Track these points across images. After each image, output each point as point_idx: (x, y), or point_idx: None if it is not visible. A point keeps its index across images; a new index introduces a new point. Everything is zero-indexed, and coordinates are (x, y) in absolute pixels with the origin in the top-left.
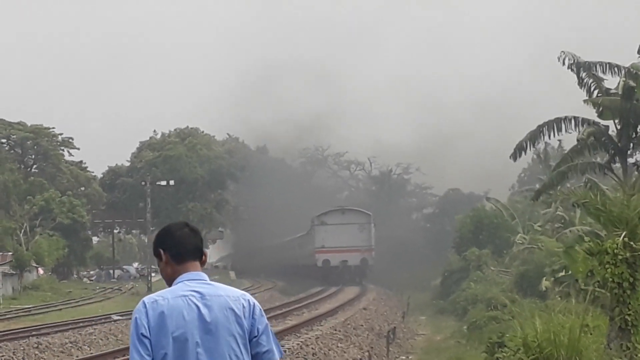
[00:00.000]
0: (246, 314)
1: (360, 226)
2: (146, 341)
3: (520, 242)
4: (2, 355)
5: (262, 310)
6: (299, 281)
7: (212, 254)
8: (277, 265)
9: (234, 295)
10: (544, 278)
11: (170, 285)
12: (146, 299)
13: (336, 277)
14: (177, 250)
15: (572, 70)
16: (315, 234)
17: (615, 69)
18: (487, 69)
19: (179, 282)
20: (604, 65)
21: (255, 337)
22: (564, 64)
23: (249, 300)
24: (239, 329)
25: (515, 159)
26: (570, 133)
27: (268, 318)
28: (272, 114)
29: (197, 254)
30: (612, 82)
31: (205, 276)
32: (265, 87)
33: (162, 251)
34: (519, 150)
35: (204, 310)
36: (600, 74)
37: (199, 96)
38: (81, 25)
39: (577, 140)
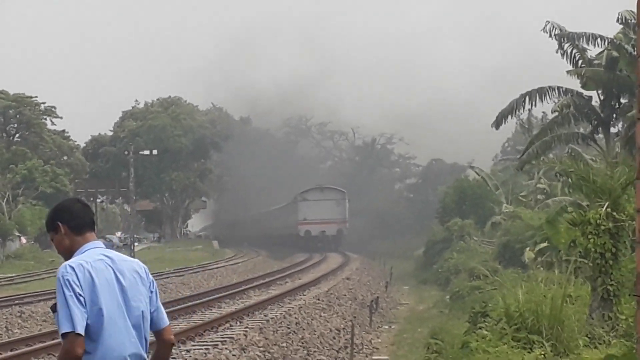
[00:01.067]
0: (145, 276)
1: (337, 202)
2: (82, 299)
3: (506, 211)
4: None
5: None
6: (282, 250)
7: (196, 223)
8: (260, 235)
9: (133, 261)
10: (527, 249)
11: (67, 257)
12: (70, 262)
13: (316, 245)
14: (77, 222)
15: (556, 39)
16: (298, 208)
17: (599, 40)
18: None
19: (88, 249)
20: (588, 35)
21: (149, 296)
22: (549, 34)
23: (143, 265)
24: (144, 290)
25: (497, 127)
26: (554, 102)
27: (252, 287)
28: (255, 81)
29: (93, 226)
30: (595, 52)
31: (101, 244)
32: (248, 52)
33: (60, 224)
34: (501, 118)
35: (118, 273)
36: (584, 45)
37: (181, 64)
38: None
39: (552, 111)
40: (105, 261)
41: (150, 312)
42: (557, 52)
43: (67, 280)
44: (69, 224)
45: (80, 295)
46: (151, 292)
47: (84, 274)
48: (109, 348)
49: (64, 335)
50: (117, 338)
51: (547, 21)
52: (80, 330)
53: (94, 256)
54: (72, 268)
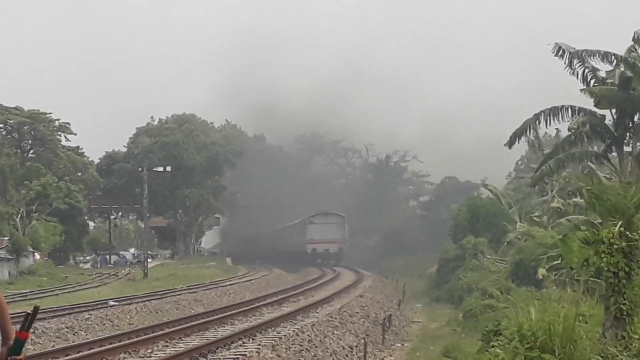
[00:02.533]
0: None
1: (338, 225)
2: None
3: (520, 231)
4: None
5: None
6: (294, 266)
7: (209, 240)
8: (272, 251)
9: None
10: (540, 267)
11: None
12: None
13: (321, 261)
14: None
15: (566, 60)
16: (307, 230)
17: (613, 57)
18: (485, 59)
19: None
20: (600, 54)
21: None
22: (556, 54)
23: None
24: None
25: (510, 147)
26: (567, 122)
27: (265, 304)
28: (269, 97)
29: None
30: (607, 71)
31: None
32: (263, 68)
33: None
34: (515, 137)
35: None
36: (596, 63)
37: (197, 82)
38: (76, 11)
39: (569, 129)
40: None
41: None
42: (570, 72)
43: None
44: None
45: None
46: None
47: None
48: None
49: None
50: None
51: (555, 43)
52: None
53: None
54: None
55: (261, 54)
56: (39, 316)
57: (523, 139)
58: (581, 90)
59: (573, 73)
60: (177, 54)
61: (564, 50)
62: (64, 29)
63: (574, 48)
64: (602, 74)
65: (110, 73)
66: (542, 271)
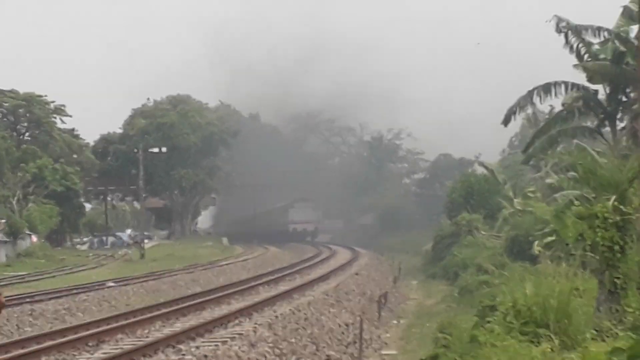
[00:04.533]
0: None
1: (313, 208)
2: None
3: (516, 207)
4: None
5: None
6: (291, 245)
7: (205, 220)
8: (263, 230)
9: None
10: (535, 242)
11: None
12: None
13: (300, 237)
14: None
15: (563, 33)
16: (289, 213)
17: (605, 32)
18: (480, 33)
19: None
20: (594, 28)
21: None
22: (556, 29)
23: None
24: None
25: (506, 124)
26: (560, 98)
27: (261, 284)
28: (263, 76)
29: None
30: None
31: None
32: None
33: None
34: (510, 114)
35: None
36: (589, 38)
37: (189, 62)
38: None
39: (562, 105)
40: None
41: None
42: (567, 48)
43: None
44: None
45: None
46: None
47: None
48: None
49: None
50: None
51: (554, 15)
52: None
53: None
54: None
55: (254, 30)
56: (37, 297)
57: (519, 115)
58: (574, 65)
59: (570, 49)
60: (171, 34)
61: (563, 25)
62: (59, 10)
63: (572, 22)
64: (595, 48)
65: (103, 55)
66: (537, 247)
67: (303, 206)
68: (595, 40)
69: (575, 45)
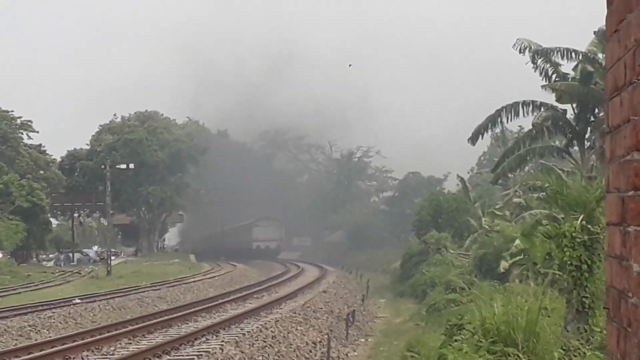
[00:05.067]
0: None
1: (276, 227)
2: None
3: (485, 227)
4: None
5: None
6: (258, 263)
7: (173, 237)
8: (228, 248)
9: None
10: (502, 261)
11: None
12: None
13: (263, 255)
14: None
15: (529, 55)
16: (252, 231)
17: (573, 54)
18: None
19: None
20: (562, 50)
21: None
22: (520, 51)
23: None
24: None
25: (473, 143)
26: (527, 117)
27: (228, 301)
28: (231, 97)
29: None
30: (569, 67)
31: None
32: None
33: None
34: (477, 133)
35: None
36: (557, 60)
37: (157, 79)
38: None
39: (532, 125)
40: None
41: None
42: (533, 68)
43: None
44: None
45: None
46: None
47: None
48: None
49: None
50: None
51: (517, 39)
52: None
53: None
54: None
55: (223, 44)
56: (1, 314)
57: (487, 134)
58: (542, 86)
59: (536, 69)
60: (139, 50)
61: (527, 47)
62: (27, 26)
63: (539, 45)
64: (564, 69)
65: (73, 70)
66: (504, 264)
67: (266, 224)
68: (563, 62)
69: (542, 67)
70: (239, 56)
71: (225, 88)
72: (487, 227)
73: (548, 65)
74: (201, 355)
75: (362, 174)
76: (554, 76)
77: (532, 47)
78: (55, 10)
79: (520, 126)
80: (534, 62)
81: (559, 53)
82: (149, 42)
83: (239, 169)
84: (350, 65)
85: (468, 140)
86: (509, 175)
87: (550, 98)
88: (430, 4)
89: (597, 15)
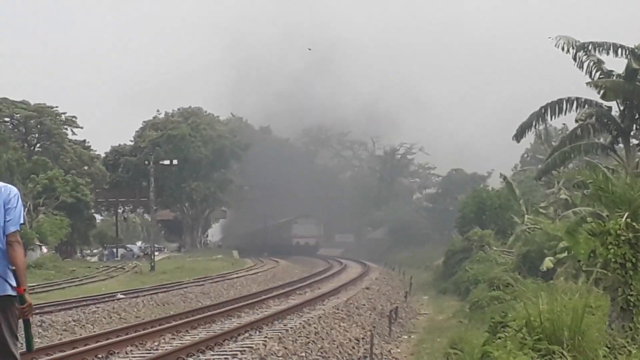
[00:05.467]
0: (6, 196)
1: (315, 224)
2: None
3: (527, 224)
4: None
5: (18, 196)
6: (301, 259)
7: (216, 232)
8: (269, 244)
9: (3, 185)
10: (547, 258)
11: None
12: None
13: (302, 251)
14: None
15: (571, 52)
16: (292, 227)
17: (620, 50)
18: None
19: None
20: (608, 45)
21: (6, 209)
22: (563, 49)
23: (9, 189)
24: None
25: (518, 140)
26: (571, 114)
27: (271, 297)
28: (274, 93)
29: None
30: (613, 62)
31: None
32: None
33: None
34: (522, 131)
35: None
36: (603, 56)
37: (202, 75)
38: (81, 6)
39: (575, 121)
40: None
41: (6, 220)
42: (577, 66)
43: None
44: None
45: None
46: (6, 208)
47: None
48: None
49: None
50: None
51: (558, 36)
52: None
53: None
54: None
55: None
56: (46, 309)
57: (531, 132)
58: (587, 83)
59: (581, 66)
60: (182, 46)
61: (568, 44)
62: (71, 22)
63: (579, 41)
64: (608, 66)
65: (116, 66)
66: (547, 262)
67: (305, 222)
68: (608, 58)
69: (586, 64)
70: (281, 51)
71: (268, 84)
72: (530, 224)
73: (592, 63)
74: (244, 350)
75: (405, 171)
76: (597, 73)
77: (574, 43)
78: (98, 5)
79: (564, 124)
80: (575, 58)
81: (604, 48)
82: (193, 38)
83: (281, 165)
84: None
85: (513, 137)
86: (553, 172)
87: (594, 95)
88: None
89: None
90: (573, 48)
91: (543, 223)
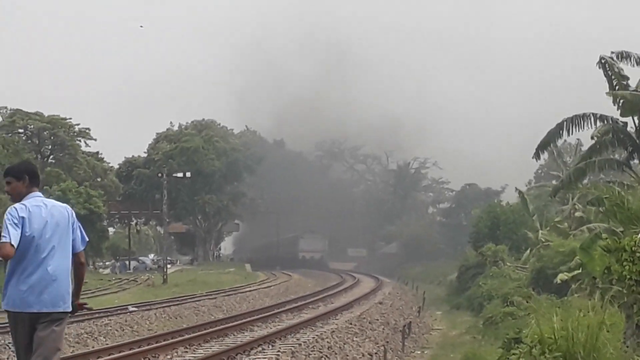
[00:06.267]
0: (69, 215)
1: (320, 239)
2: (19, 225)
3: (542, 239)
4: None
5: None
6: (314, 273)
7: (228, 245)
8: (278, 257)
9: (62, 205)
10: (560, 274)
11: (18, 201)
12: (15, 205)
13: (308, 264)
14: (36, 178)
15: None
16: (299, 242)
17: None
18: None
19: (32, 197)
20: (626, 54)
21: (73, 229)
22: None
23: (68, 208)
24: (67, 223)
25: (537, 158)
26: (589, 130)
27: (284, 311)
28: (287, 105)
29: (38, 183)
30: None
31: (42, 195)
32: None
33: (27, 176)
34: (540, 148)
35: (49, 213)
36: (627, 67)
37: (215, 87)
38: (96, 15)
39: (592, 137)
40: (41, 206)
41: (74, 239)
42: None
43: (10, 212)
44: (31, 178)
45: (16, 224)
46: (73, 227)
47: (26, 210)
48: (34, 261)
49: (2, 244)
50: (40, 255)
51: (600, 56)
52: (14, 242)
53: (33, 202)
54: (15, 208)
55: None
56: None
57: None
58: (607, 93)
59: (609, 81)
60: (196, 61)
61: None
62: (86, 37)
63: (610, 56)
64: (632, 82)
65: (129, 80)
66: (561, 276)
67: (311, 237)
68: (633, 70)
69: (608, 74)
70: (295, 62)
71: (282, 97)
72: (544, 240)
73: (613, 75)
74: None
75: (418, 185)
76: (617, 87)
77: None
78: (109, 17)
79: (577, 139)
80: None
81: (634, 59)
82: (209, 51)
83: (294, 178)
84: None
85: (532, 157)
86: (567, 189)
87: (610, 111)
88: (496, 16)
89: None
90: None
91: (555, 240)
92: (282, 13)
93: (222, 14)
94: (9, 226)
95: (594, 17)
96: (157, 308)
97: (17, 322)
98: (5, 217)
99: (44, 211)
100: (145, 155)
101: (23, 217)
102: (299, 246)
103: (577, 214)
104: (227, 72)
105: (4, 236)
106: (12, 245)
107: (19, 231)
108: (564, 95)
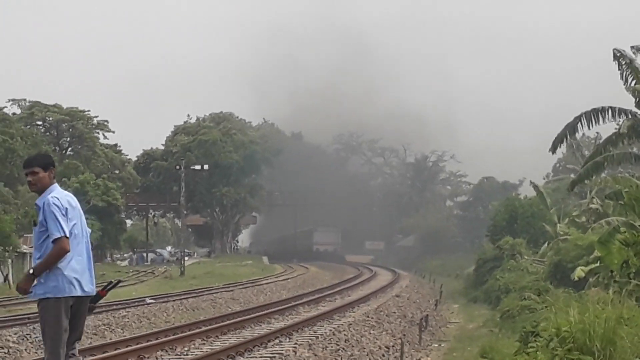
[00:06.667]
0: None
1: (334, 233)
2: (65, 217)
3: (560, 232)
4: (36, 337)
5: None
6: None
7: (246, 238)
8: (297, 251)
9: (71, 195)
10: (578, 268)
11: (40, 192)
12: (54, 195)
13: (322, 256)
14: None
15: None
16: (313, 235)
17: None
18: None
19: (57, 188)
20: None
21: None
22: (617, 63)
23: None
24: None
25: (554, 152)
26: (607, 123)
27: (301, 303)
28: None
29: None
30: None
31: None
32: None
33: (53, 168)
34: (558, 142)
35: (75, 202)
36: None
37: (234, 79)
38: (115, 9)
39: (619, 132)
40: (68, 196)
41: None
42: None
43: (55, 204)
44: (56, 170)
45: (64, 214)
46: (86, 217)
47: (62, 202)
48: (73, 248)
49: (56, 240)
50: (79, 246)
51: (613, 48)
52: (68, 234)
53: (63, 193)
54: (57, 198)
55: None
56: None
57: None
58: (624, 87)
59: (622, 73)
60: (214, 52)
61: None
62: (104, 29)
63: (625, 51)
64: None
65: (147, 72)
66: (579, 272)
67: (325, 230)
68: None
69: (625, 69)
70: (314, 57)
71: (300, 89)
72: (562, 233)
73: (628, 71)
74: (274, 357)
75: (436, 178)
76: (634, 82)
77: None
78: (128, 11)
79: (597, 132)
80: (620, 66)
81: None
82: (227, 43)
83: (312, 171)
84: None
85: (549, 150)
86: (586, 182)
87: (628, 104)
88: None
89: None
90: (618, 53)
91: (572, 235)
92: (301, 2)
93: (241, 4)
94: (60, 219)
95: (617, 8)
96: (174, 300)
97: (62, 309)
98: (51, 209)
99: (72, 201)
100: (163, 147)
101: (67, 208)
102: (313, 239)
103: (593, 206)
104: (246, 63)
105: (58, 231)
106: (67, 237)
107: (67, 222)
108: (584, 88)
